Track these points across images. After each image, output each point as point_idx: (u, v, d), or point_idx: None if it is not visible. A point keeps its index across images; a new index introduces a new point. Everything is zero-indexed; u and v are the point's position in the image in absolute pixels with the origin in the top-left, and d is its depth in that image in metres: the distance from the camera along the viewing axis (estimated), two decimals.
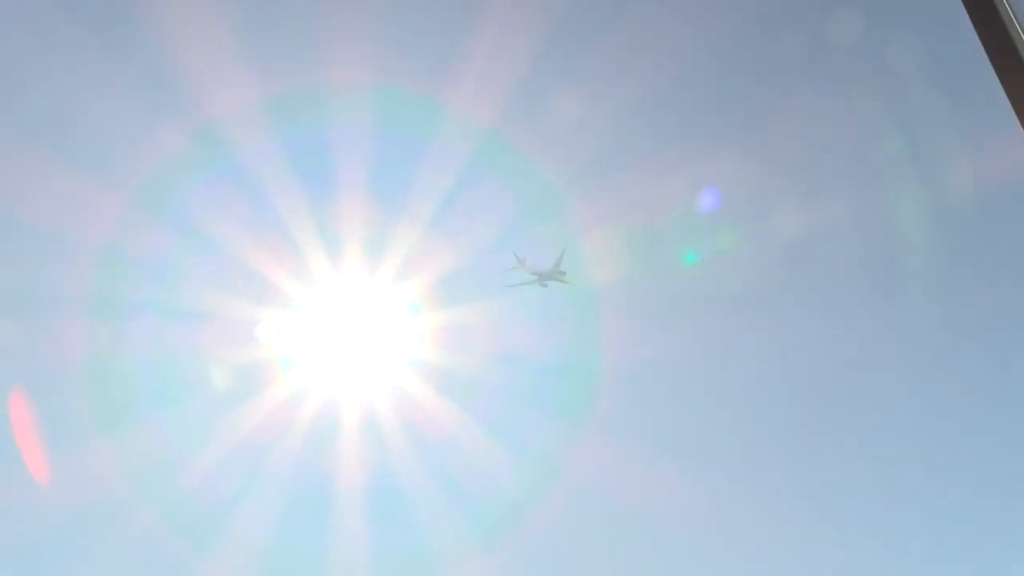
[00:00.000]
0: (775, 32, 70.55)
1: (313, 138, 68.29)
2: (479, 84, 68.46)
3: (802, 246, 74.59)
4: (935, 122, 71.84)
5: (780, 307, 74.43)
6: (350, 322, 72.68)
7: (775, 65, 72.76)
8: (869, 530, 72.33)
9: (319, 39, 67.58)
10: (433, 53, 68.94)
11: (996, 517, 68.33)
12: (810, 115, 72.39)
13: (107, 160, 66.99)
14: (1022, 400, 69.22)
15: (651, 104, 72.54)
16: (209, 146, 67.31)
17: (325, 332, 72.78)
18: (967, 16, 11.82)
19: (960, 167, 69.44)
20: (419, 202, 68.86)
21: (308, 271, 69.57)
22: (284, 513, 67.73)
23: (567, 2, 69.91)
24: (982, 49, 12.09)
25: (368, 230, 69.56)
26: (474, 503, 70.48)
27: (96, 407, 68.16)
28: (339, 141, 68.68)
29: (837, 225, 74.30)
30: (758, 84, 74.88)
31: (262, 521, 66.66)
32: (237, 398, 69.08)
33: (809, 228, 74.05)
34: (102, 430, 67.77)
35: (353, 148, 68.21)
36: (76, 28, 64.19)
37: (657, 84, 70.86)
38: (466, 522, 69.71)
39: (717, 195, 70.98)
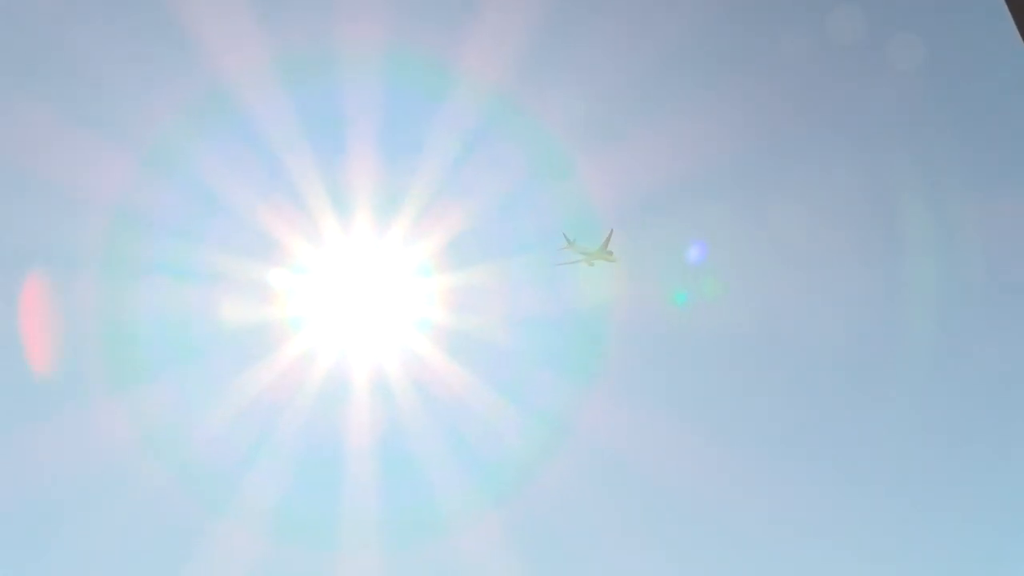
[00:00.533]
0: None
1: (324, 99, 68.20)
2: (490, 46, 68.15)
3: (791, 220, 75.34)
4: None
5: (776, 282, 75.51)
6: (361, 283, 73.01)
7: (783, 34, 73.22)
8: (860, 481, 73.74)
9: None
10: (444, 14, 68.97)
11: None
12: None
13: (119, 120, 67.03)
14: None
15: (663, 68, 72.60)
16: (220, 106, 67.23)
17: (336, 293, 73.14)
18: (1010, 16, 12.01)
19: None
20: (429, 164, 68.89)
21: (319, 232, 69.78)
22: (296, 472, 68.46)
23: None
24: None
25: (378, 192, 69.66)
26: (483, 462, 71.13)
27: (108, 365, 68.68)
28: (350, 102, 68.64)
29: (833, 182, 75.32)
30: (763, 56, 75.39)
31: (273, 480, 67.26)
32: (248, 358, 69.48)
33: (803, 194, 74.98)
34: (115, 388, 68.31)
35: (364, 109, 68.14)
36: None
37: (670, 48, 70.96)
38: (475, 481, 70.35)
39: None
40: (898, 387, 71.93)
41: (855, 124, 73.54)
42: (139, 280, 69.06)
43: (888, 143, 73.23)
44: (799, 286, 73.36)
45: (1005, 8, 12.40)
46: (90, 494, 65.16)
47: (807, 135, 73.68)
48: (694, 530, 71.67)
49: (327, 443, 69.82)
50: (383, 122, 68.97)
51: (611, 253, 71.96)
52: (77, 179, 65.27)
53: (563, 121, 71.94)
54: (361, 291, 73.29)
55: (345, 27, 66.98)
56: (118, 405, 67.69)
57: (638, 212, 74.07)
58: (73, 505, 64.89)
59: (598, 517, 69.25)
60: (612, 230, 71.69)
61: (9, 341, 65.07)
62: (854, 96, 72.07)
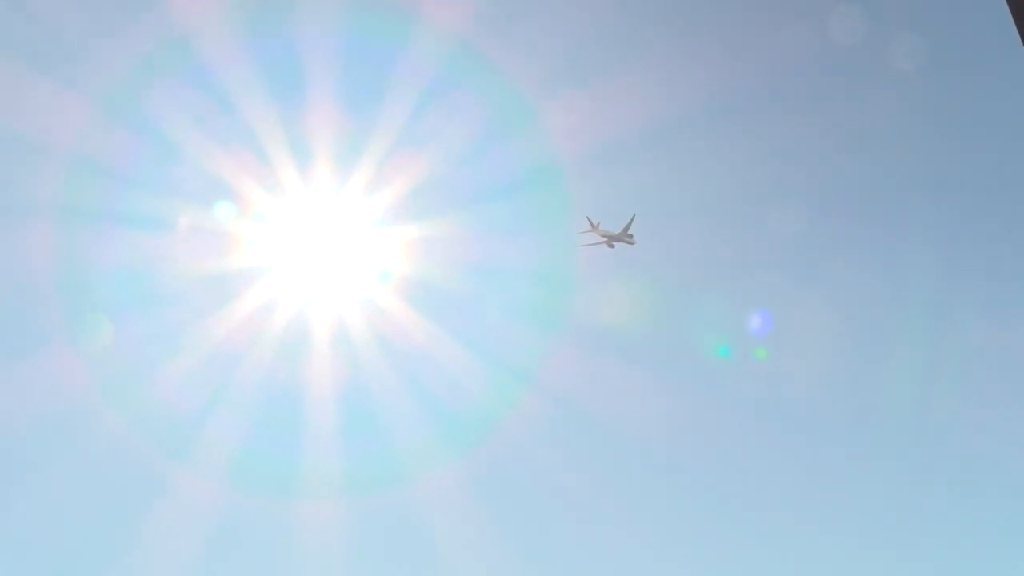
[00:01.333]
0: None
1: (284, 46, 67.22)
2: None
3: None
4: None
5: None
6: (321, 233, 72.37)
7: None
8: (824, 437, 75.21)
9: None
10: None
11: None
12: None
13: (76, 67, 65.83)
14: None
15: (627, 14, 72.50)
16: (179, 54, 66.18)
17: (296, 243, 72.47)
18: (1011, 16, 11.98)
19: None
20: (391, 112, 68.24)
21: (279, 181, 68.94)
22: (257, 421, 68.28)
23: None
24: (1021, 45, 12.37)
25: (339, 141, 68.84)
26: (446, 413, 71.11)
27: (66, 315, 67.88)
28: (310, 50, 67.66)
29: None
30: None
31: (234, 429, 66.97)
32: (208, 307, 69.03)
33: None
34: (72, 338, 67.61)
35: (324, 57, 67.22)
36: None
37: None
38: (438, 431, 70.32)
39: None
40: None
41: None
42: (97, 228, 68.32)
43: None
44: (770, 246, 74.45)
45: (1006, 9, 12.44)
46: (50, 442, 65.07)
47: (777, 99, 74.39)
48: (655, 479, 72.58)
49: (289, 393, 69.73)
50: (344, 70, 68.43)
51: (631, 236, 72.49)
52: (35, 127, 64.24)
53: (526, 70, 71.65)
54: (322, 240, 72.69)
55: None
56: (78, 353, 67.12)
57: (601, 161, 73.94)
58: (34, 452, 64.59)
59: (561, 468, 69.71)
60: (635, 215, 72.27)
61: None
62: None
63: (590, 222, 72.81)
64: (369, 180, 69.39)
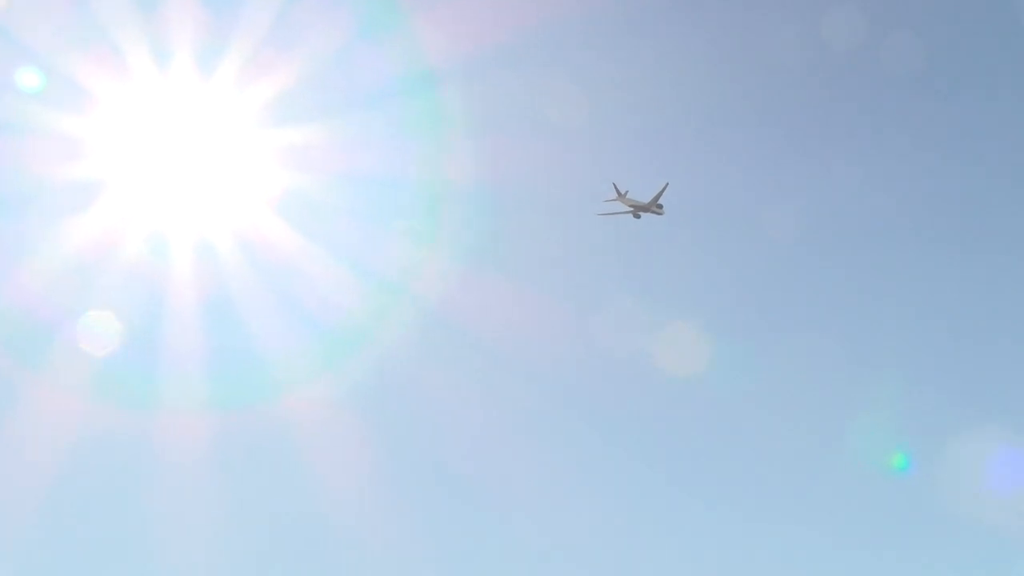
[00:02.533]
0: None
1: None
2: None
3: None
4: None
5: None
6: (185, 140, 69.59)
7: None
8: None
9: None
10: None
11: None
12: None
13: None
14: None
15: None
16: None
17: (159, 149, 69.57)
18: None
19: None
20: (255, 9, 65.84)
21: (137, 84, 66.23)
22: (117, 333, 65.68)
23: None
24: None
25: (201, 40, 66.11)
26: (316, 326, 69.44)
27: None
28: None
29: None
30: None
31: (94, 341, 64.51)
32: (64, 215, 66.42)
33: None
34: None
35: None
36: None
37: None
38: (308, 345, 68.73)
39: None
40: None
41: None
42: None
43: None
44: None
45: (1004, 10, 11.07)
46: None
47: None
48: (532, 389, 71.66)
49: (151, 304, 67.41)
50: None
51: (660, 207, 70.23)
52: None
53: None
54: (186, 148, 70.11)
55: None
56: None
57: (478, 67, 72.49)
58: None
59: (434, 383, 68.66)
60: (667, 184, 69.71)
61: None
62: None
63: (616, 190, 70.03)
64: (233, 84, 67.00)
